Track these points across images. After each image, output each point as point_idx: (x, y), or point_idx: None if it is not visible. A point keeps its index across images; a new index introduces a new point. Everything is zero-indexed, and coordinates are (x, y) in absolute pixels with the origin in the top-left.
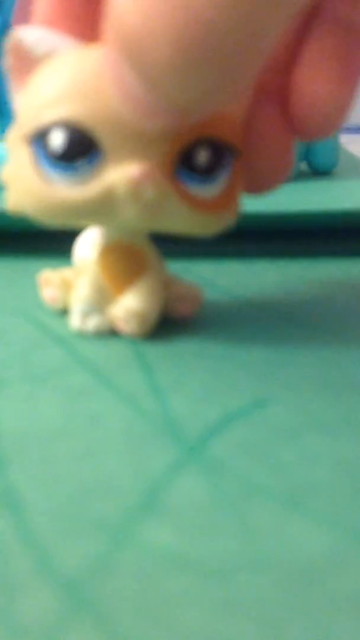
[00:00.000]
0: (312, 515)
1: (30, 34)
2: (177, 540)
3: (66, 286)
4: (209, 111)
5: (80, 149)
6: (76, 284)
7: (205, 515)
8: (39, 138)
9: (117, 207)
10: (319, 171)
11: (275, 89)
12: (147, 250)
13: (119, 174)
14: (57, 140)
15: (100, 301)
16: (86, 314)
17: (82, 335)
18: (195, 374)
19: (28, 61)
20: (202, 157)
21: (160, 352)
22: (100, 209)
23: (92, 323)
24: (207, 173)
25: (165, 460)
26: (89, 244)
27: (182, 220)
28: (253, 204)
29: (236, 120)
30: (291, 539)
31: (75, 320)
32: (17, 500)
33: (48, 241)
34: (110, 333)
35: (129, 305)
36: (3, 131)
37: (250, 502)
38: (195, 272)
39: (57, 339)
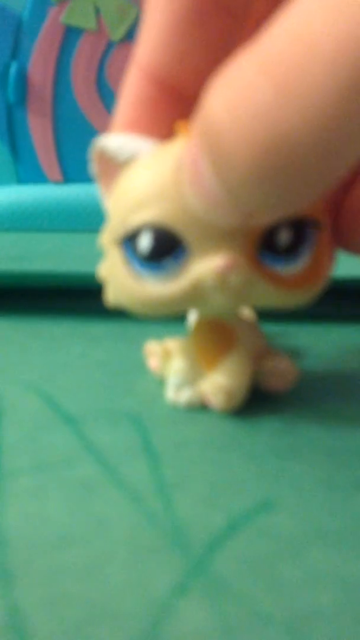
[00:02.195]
0: None
1: (112, 142)
2: None
3: (169, 357)
4: (283, 215)
5: (166, 249)
6: (173, 356)
7: None
8: (128, 240)
9: (206, 297)
10: None
11: (329, 199)
12: (237, 326)
13: (205, 266)
14: (144, 242)
15: (193, 375)
16: (179, 387)
17: (89, 414)
18: (201, 468)
19: (112, 166)
20: (284, 238)
21: (167, 440)
22: (189, 300)
23: (185, 396)
24: (290, 252)
25: (169, 578)
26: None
27: (269, 299)
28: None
29: None
30: None
31: (169, 393)
32: (22, 623)
33: (60, 299)
34: (127, 416)
35: (217, 380)
36: (19, 175)
37: (253, 633)
38: None
39: (66, 419)
